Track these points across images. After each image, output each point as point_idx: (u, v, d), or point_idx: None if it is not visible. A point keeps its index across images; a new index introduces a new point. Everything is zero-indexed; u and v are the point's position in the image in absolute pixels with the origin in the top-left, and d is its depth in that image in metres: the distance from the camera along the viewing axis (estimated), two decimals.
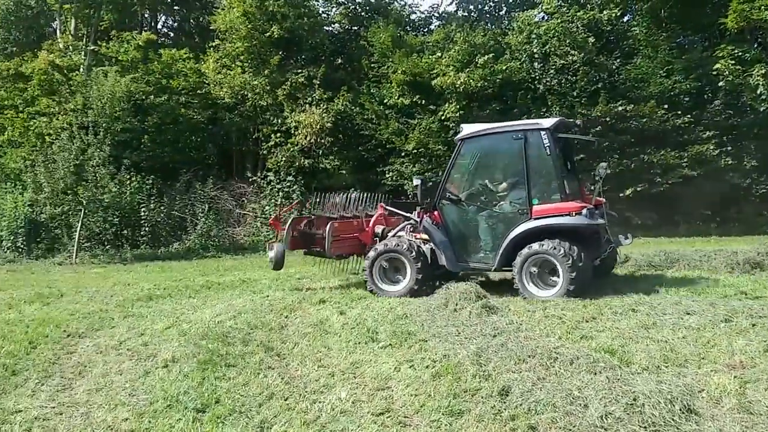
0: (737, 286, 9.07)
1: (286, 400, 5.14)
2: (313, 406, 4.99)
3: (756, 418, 4.25)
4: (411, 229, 10.11)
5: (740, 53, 20.75)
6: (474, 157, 10.18)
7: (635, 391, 4.43)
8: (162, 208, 22.10)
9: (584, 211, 8.91)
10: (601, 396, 4.48)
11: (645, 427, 4.08)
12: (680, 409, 4.22)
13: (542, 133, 9.27)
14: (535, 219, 9.09)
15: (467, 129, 10.11)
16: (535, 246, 8.81)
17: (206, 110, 25.28)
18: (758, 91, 19.93)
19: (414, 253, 9.36)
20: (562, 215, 9.06)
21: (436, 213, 9.60)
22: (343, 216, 11.00)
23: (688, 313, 7.19)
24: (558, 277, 8.71)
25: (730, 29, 21.51)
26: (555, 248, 8.65)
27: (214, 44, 26.17)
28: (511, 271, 9.25)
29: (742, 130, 22.42)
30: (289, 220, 10.53)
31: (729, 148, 21.76)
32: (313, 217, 10.93)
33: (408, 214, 10.31)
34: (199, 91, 25.26)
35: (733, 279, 9.85)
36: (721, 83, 21.08)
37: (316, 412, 4.85)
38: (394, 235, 10.17)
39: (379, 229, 10.48)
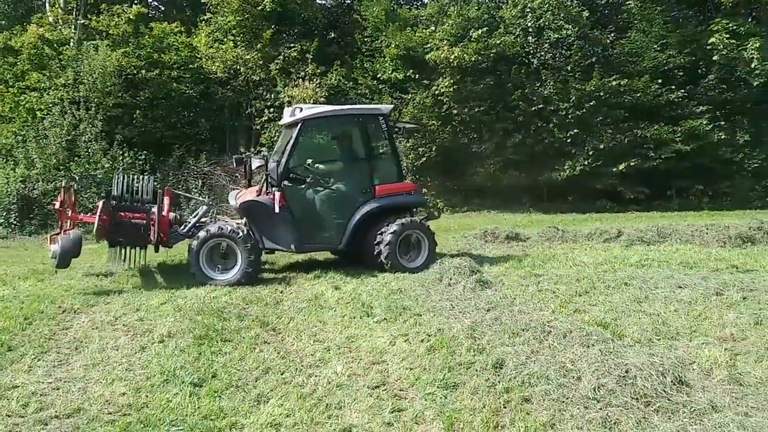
0: (729, 260, 9.15)
1: (282, 374, 5.18)
2: (309, 380, 5.03)
3: (746, 389, 4.31)
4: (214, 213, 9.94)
5: (735, 27, 20.71)
6: (317, 137, 10.58)
7: (627, 364, 4.48)
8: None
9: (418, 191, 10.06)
10: (594, 368, 4.53)
11: (637, 399, 4.13)
12: (672, 381, 4.27)
13: (380, 118, 9.80)
14: (379, 198, 9.63)
15: (309, 110, 9.81)
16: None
17: (198, 85, 25.06)
18: (752, 65, 19.97)
19: (244, 237, 8.88)
20: (402, 194, 9.92)
21: (279, 194, 9.05)
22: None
23: (680, 287, 7.27)
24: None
25: (725, 3, 21.51)
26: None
27: (205, 18, 25.95)
28: (356, 249, 9.76)
29: (735, 104, 22.47)
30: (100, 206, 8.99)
31: (722, 122, 21.85)
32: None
33: (201, 199, 10.12)
34: (191, 66, 25.03)
35: (725, 253, 9.92)
36: (715, 57, 21.10)
37: (312, 385, 4.89)
38: (197, 221, 9.90)
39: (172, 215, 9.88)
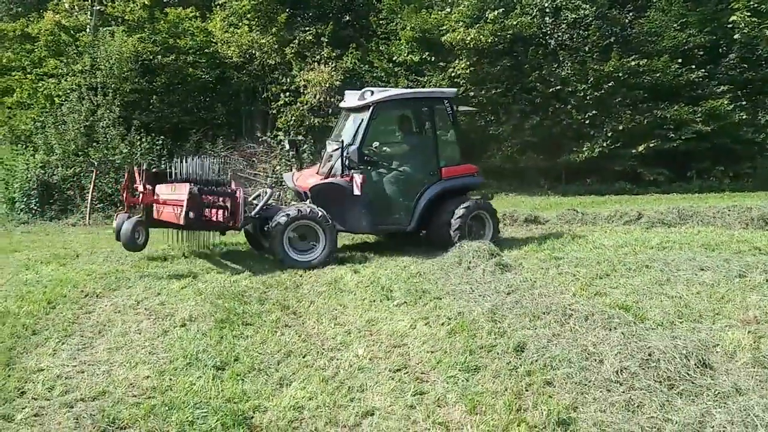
0: (751, 242, 9.05)
1: (304, 357, 5.22)
2: (330, 363, 5.06)
3: None
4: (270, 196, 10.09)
5: (756, 5, 20.30)
6: (387, 121, 10.51)
7: (650, 347, 4.46)
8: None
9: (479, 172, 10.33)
10: (617, 351, 4.51)
11: (660, 382, 4.11)
12: (695, 364, 4.25)
13: (446, 101, 10.06)
14: (445, 180, 9.89)
15: (380, 93, 9.93)
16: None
17: (214, 70, 25.03)
18: None
19: (326, 219, 9.06)
20: (466, 176, 10.21)
21: (361, 176, 9.26)
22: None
23: (702, 269, 7.21)
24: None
25: None
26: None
27: (220, 2, 25.87)
28: (425, 230, 10.10)
29: (757, 84, 22.08)
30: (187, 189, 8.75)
31: (743, 102, 21.51)
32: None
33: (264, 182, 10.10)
34: (206, 51, 24.99)
35: (748, 235, 9.83)
36: (736, 36, 20.71)
37: (334, 369, 4.92)
38: (264, 204, 9.82)
39: None
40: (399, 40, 24.20)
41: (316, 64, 23.89)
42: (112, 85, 20.82)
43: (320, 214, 9.05)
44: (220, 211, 9.20)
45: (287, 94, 24.25)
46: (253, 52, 24.43)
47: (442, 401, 4.25)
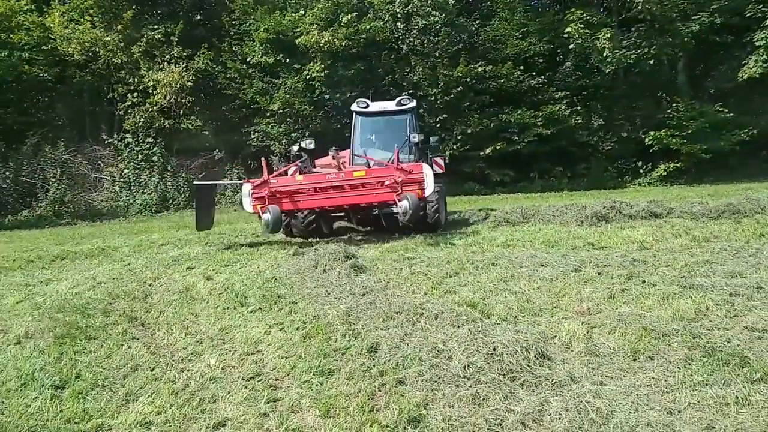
0: (585, 238, 9.69)
1: (152, 370, 5.00)
2: (181, 374, 4.88)
3: (601, 359, 4.61)
4: None
5: (589, 17, 21.91)
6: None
7: (495, 341, 4.67)
8: (7, 173, 20.58)
9: None
10: (464, 347, 4.68)
11: (504, 374, 4.32)
12: (535, 356, 4.49)
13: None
14: None
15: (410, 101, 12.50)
16: None
17: (53, 68, 23.51)
18: (604, 54, 21.19)
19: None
20: None
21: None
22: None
23: (543, 265, 7.64)
24: None
25: None
26: None
27: None
28: None
29: (590, 90, 23.94)
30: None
31: (578, 107, 23.16)
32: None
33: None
34: (44, 47, 23.38)
35: (582, 231, 10.50)
36: (571, 46, 22.24)
37: (184, 380, 4.76)
38: None
39: None
40: (253, 41, 23.89)
41: (165, 63, 23.08)
42: None
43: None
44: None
45: (135, 94, 23.23)
46: (97, 50, 23.15)
47: (296, 407, 4.23)
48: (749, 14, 20.48)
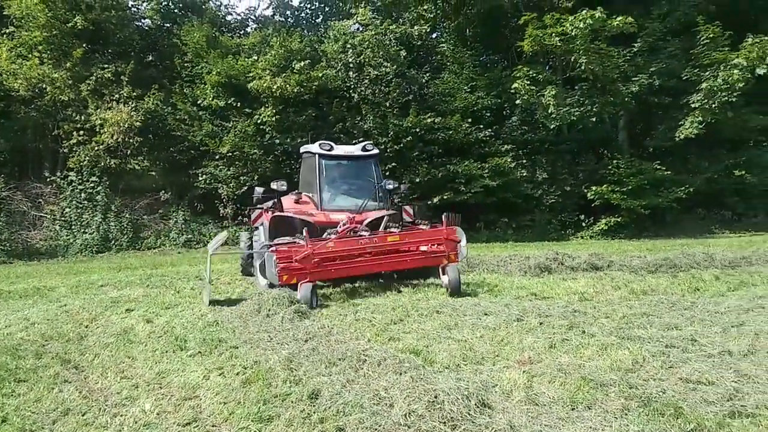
0: (529, 288, 9.87)
1: (83, 415, 4.85)
2: (114, 419, 4.74)
3: (540, 408, 4.67)
4: None
5: (534, 74, 22.66)
6: None
7: (436, 389, 4.69)
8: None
9: None
10: (406, 395, 4.69)
11: (444, 423, 4.33)
12: (476, 404, 4.53)
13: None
14: None
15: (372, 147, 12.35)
16: None
17: None
18: (549, 110, 21.89)
19: None
20: None
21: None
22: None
23: (486, 314, 7.73)
24: None
25: (526, 52, 23.44)
26: None
27: (8, 31, 23.95)
28: None
29: (535, 144, 24.58)
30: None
31: (524, 161, 23.76)
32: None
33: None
34: None
35: (526, 281, 10.69)
36: (518, 101, 22.90)
37: (117, 426, 4.63)
38: None
39: None
40: (204, 84, 23.91)
41: (114, 102, 22.85)
42: None
43: None
44: None
45: (81, 132, 22.85)
46: (44, 86, 22.80)
47: None
48: (685, 77, 21.52)
